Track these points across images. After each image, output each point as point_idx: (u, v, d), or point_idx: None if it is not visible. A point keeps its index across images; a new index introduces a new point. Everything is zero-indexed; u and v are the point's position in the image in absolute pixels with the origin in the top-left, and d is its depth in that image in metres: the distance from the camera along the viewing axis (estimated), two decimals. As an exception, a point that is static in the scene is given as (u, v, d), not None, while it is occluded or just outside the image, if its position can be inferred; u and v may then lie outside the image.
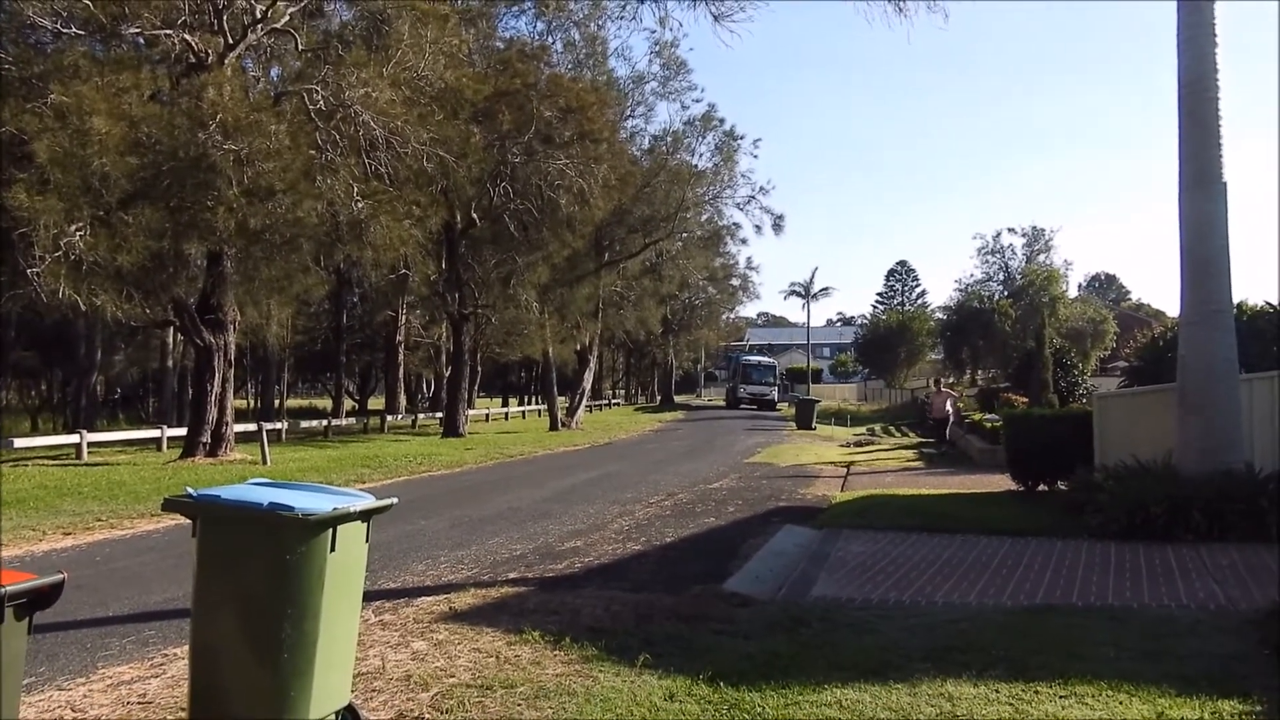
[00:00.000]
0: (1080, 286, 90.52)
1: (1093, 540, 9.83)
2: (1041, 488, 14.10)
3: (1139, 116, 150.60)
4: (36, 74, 17.45)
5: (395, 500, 4.48)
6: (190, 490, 3.95)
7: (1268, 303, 13.98)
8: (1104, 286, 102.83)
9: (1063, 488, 13.19)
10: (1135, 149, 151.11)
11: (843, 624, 6.45)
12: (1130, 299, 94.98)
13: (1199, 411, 10.63)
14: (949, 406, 23.59)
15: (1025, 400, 23.99)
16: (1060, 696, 4.83)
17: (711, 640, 6.02)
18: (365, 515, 4.11)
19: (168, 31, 19.16)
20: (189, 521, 3.92)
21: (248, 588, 3.81)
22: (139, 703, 4.97)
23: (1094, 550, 9.33)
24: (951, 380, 32.26)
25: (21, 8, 17.54)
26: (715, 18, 11.92)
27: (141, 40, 20.16)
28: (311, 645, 3.83)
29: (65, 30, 18.06)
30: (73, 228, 15.87)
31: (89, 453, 22.05)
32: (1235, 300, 11.71)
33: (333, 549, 3.87)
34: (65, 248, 15.78)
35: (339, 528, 3.89)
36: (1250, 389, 10.97)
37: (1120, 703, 4.72)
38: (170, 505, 3.96)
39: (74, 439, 22.66)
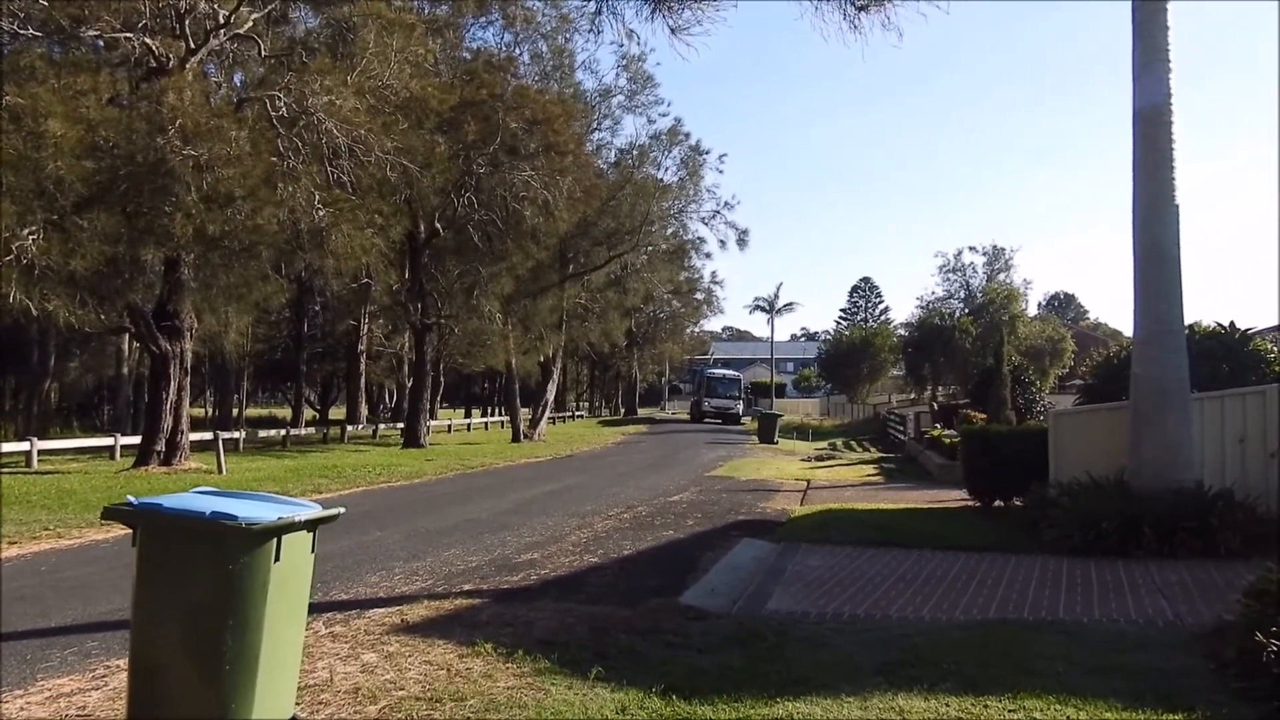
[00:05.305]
0: (1040, 305, 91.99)
1: (1046, 556, 9.94)
2: (998, 503, 14.23)
3: (1099, 138, 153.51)
4: (-10, 75, 17.15)
5: (343, 510, 4.42)
6: (131, 498, 3.87)
7: (1219, 324, 14.20)
8: (1063, 305, 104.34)
9: (1019, 504, 13.32)
10: (1094, 170, 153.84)
11: (797, 638, 6.46)
12: (1089, 318, 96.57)
13: (1151, 430, 10.78)
14: None
15: (984, 417, 24.16)
16: (1009, 711, 4.85)
17: (665, 654, 6.00)
18: (311, 525, 4.05)
19: (128, 35, 18.91)
20: (132, 531, 3.84)
21: (189, 598, 3.74)
22: (78, 715, 4.85)
23: (1047, 566, 9.43)
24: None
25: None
26: (672, 30, 11.94)
27: (101, 43, 19.91)
28: (254, 657, 3.77)
29: (22, 31, 17.77)
30: (25, 231, 15.59)
31: (39, 461, 21.64)
32: (1188, 321, 11.91)
33: (277, 559, 3.81)
34: (17, 252, 15.49)
35: (284, 537, 3.84)
36: (1201, 408, 11.16)
37: (1068, 717, 4.76)
38: (110, 514, 3.87)
39: (24, 446, 22.20)
